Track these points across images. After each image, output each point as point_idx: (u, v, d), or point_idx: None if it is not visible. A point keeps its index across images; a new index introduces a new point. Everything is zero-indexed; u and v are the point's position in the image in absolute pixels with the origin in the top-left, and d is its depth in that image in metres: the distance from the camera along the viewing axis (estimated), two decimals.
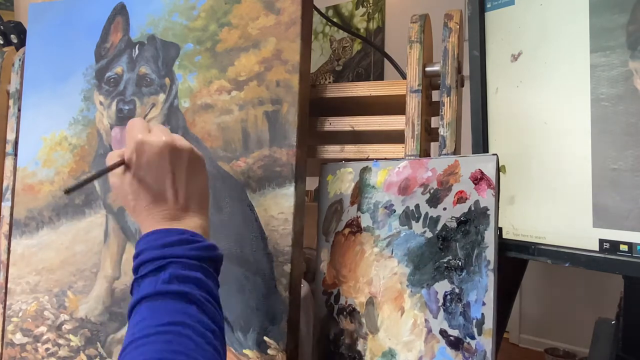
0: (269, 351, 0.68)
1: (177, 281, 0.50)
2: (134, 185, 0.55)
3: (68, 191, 0.53)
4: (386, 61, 1.72)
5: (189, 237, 0.53)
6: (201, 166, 0.59)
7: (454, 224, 0.64)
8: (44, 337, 0.81)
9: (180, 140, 0.57)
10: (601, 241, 0.60)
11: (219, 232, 0.72)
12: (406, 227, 0.68)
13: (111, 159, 0.57)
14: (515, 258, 0.69)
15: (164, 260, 0.51)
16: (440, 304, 0.63)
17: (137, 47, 0.79)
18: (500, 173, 0.65)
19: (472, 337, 0.61)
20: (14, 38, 1.07)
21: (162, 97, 0.77)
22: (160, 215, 0.55)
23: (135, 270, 0.52)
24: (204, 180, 0.59)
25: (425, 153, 0.72)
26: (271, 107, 0.71)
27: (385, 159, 0.72)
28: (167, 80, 0.77)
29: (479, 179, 0.63)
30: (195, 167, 0.58)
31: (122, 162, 0.56)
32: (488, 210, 0.62)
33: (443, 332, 0.63)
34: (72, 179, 0.82)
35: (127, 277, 0.77)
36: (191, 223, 0.56)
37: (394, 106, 0.74)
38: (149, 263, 0.51)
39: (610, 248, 0.60)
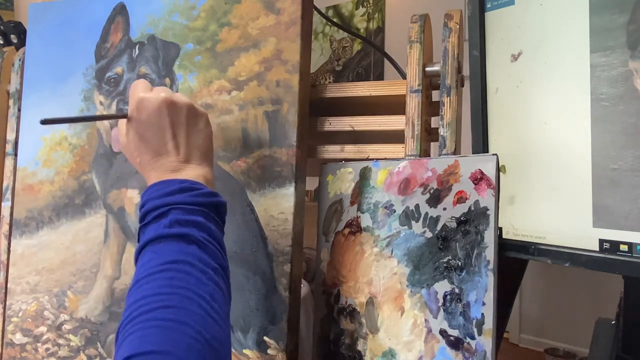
0: (269, 351, 0.68)
1: (178, 225, 0.52)
2: (136, 141, 0.59)
3: (45, 122, 0.55)
4: (386, 61, 1.72)
5: (190, 185, 0.55)
6: (202, 121, 0.61)
7: (453, 224, 0.64)
8: (44, 337, 0.81)
9: (179, 97, 0.59)
10: (601, 241, 0.60)
11: None
12: (406, 227, 0.68)
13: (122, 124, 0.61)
14: (515, 258, 0.69)
15: (166, 207, 0.53)
16: (440, 304, 0.63)
17: (137, 47, 0.79)
18: (500, 173, 0.65)
19: (472, 337, 0.61)
20: (14, 38, 1.07)
21: None
22: (163, 168, 0.58)
23: (141, 219, 0.55)
24: (206, 134, 0.61)
25: (425, 153, 0.72)
26: (271, 107, 0.71)
27: (385, 159, 0.72)
28: (167, 80, 0.77)
29: (479, 179, 0.63)
30: (196, 121, 0.60)
31: (124, 115, 0.60)
32: (488, 210, 0.62)
33: (443, 332, 0.63)
34: (72, 178, 0.82)
35: (127, 277, 0.77)
36: (192, 173, 0.58)
37: (394, 106, 0.74)
38: (152, 211, 0.54)
39: (610, 248, 0.60)
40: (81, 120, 0.59)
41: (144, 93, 0.58)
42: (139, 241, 0.54)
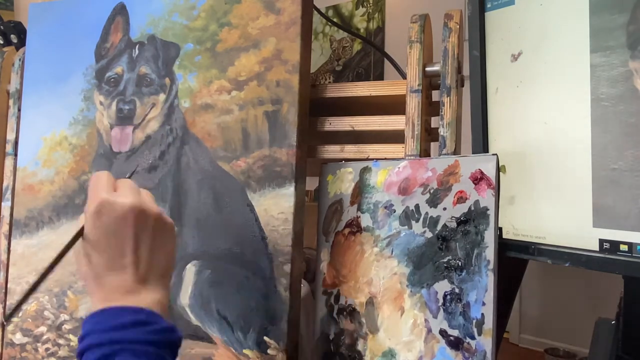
0: (269, 351, 0.68)
1: None
2: (87, 249, 0.50)
3: (8, 318, 0.48)
4: (386, 61, 1.72)
5: (145, 317, 0.46)
6: (169, 233, 0.52)
7: (453, 224, 0.64)
8: (44, 337, 0.81)
9: (148, 203, 0.51)
10: (601, 241, 0.60)
11: (219, 232, 0.72)
12: (406, 227, 0.68)
13: (81, 221, 0.52)
14: (515, 258, 0.69)
15: (113, 347, 0.44)
16: (440, 304, 0.63)
17: (137, 47, 0.79)
18: (500, 173, 0.65)
19: (472, 337, 0.61)
20: (14, 38, 1.07)
21: (162, 97, 0.77)
22: (113, 288, 0.48)
23: (80, 355, 0.45)
24: (170, 250, 0.53)
25: (425, 153, 0.72)
26: (271, 107, 0.71)
27: (385, 159, 0.72)
28: (167, 80, 0.77)
29: (479, 179, 0.63)
30: (163, 234, 0.52)
31: (82, 232, 0.50)
32: (488, 210, 0.62)
33: (443, 332, 0.63)
34: (72, 178, 0.82)
35: None
36: (148, 299, 0.48)
37: (394, 106, 0.74)
38: (95, 348, 0.44)
39: (610, 248, 0.60)
40: (38, 284, 0.50)
41: (107, 194, 0.49)
42: None
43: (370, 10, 3.41)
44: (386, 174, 0.70)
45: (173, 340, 0.48)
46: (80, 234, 0.50)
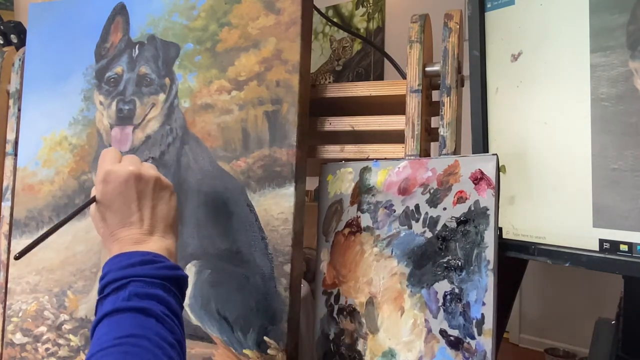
0: (269, 351, 0.68)
1: (137, 298, 0.51)
2: (101, 213, 0.59)
3: (19, 256, 0.55)
4: (386, 61, 1.72)
5: (152, 257, 0.55)
6: (168, 193, 0.61)
7: (453, 224, 0.64)
8: (44, 337, 0.81)
9: (146, 169, 0.60)
10: (601, 241, 0.60)
11: (218, 232, 0.72)
12: (406, 227, 0.68)
13: (92, 193, 0.60)
14: (515, 258, 0.69)
15: (125, 280, 0.52)
16: (440, 304, 0.63)
17: (137, 47, 0.79)
18: (500, 173, 0.65)
19: (472, 337, 0.61)
20: (14, 38, 1.07)
21: (162, 97, 0.77)
22: (126, 240, 0.57)
23: (100, 291, 0.54)
24: (171, 206, 0.61)
25: (425, 153, 0.72)
26: (271, 107, 0.71)
27: (385, 159, 0.72)
28: (167, 80, 0.77)
29: (479, 179, 0.63)
30: (162, 194, 0.60)
31: (93, 200, 0.59)
32: (488, 210, 0.62)
33: (443, 332, 0.63)
34: (72, 178, 0.82)
35: None
36: (155, 246, 0.57)
37: (394, 106, 0.74)
38: (112, 283, 0.53)
39: (610, 248, 0.60)
40: (54, 231, 0.58)
41: (111, 165, 0.59)
42: (96, 314, 0.53)
43: (370, 10, 3.41)
44: (386, 174, 0.70)
45: (177, 275, 0.56)
46: (92, 200, 0.59)
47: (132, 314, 0.50)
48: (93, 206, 0.60)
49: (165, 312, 0.52)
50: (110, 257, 0.57)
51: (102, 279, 0.54)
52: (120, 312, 0.50)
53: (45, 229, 0.82)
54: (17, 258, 0.55)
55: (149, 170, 0.60)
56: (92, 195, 0.60)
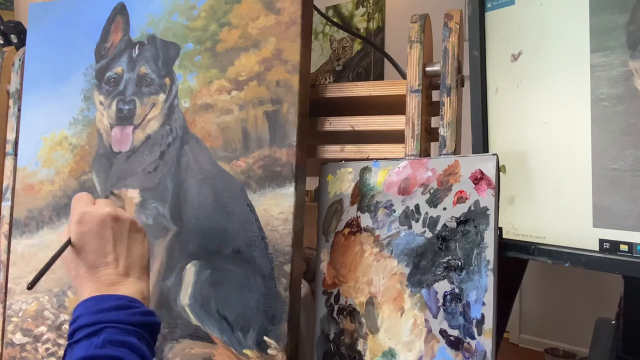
0: (269, 351, 0.68)
1: (111, 345, 0.50)
2: (74, 254, 0.57)
3: (31, 287, 0.54)
4: (386, 61, 1.72)
5: (127, 302, 0.54)
6: (142, 235, 0.61)
7: (453, 224, 0.64)
8: (44, 337, 0.81)
9: (122, 211, 0.60)
10: (601, 241, 0.60)
11: (218, 232, 0.72)
12: (406, 227, 0.68)
13: (64, 233, 0.59)
14: (515, 258, 0.69)
15: (99, 325, 0.51)
16: (440, 304, 0.63)
17: (137, 47, 0.79)
18: (500, 173, 0.65)
19: (472, 337, 0.61)
20: (14, 38, 1.07)
21: (162, 97, 0.77)
22: (100, 281, 0.56)
23: (70, 335, 0.52)
24: (145, 249, 0.61)
25: (425, 153, 0.72)
26: (271, 107, 0.71)
27: (385, 159, 0.72)
28: (167, 80, 0.77)
29: (479, 178, 0.63)
30: (136, 236, 0.60)
31: (69, 242, 0.58)
32: (488, 210, 0.62)
33: (443, 332, 0.63)
34: (72, 178, 0.82)
35: None
36: (131, 288, 0.56)
37: (394, 106, 0.74)
38: (84, 328, 0.51)
39: (610, 248, 0.60)
40: (49, 267, 0.58)
41: (86, 207, 0.58)
42: (64, 359, 0.51)
43: (370, 10, 3.41)
44: (386, 174, 0.70)
45: (152, 322, 0.55)
46: (68, 243, 0.58)
47: None
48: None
49: None
50: (82, 298, 0.55)
51: (72, 322, 0.53)
52: None
53: (45, 229, 0.83)
54: (29, 288, 0.55)
55: (124, 212, 0.60)
56: (65, 237, 0.59)
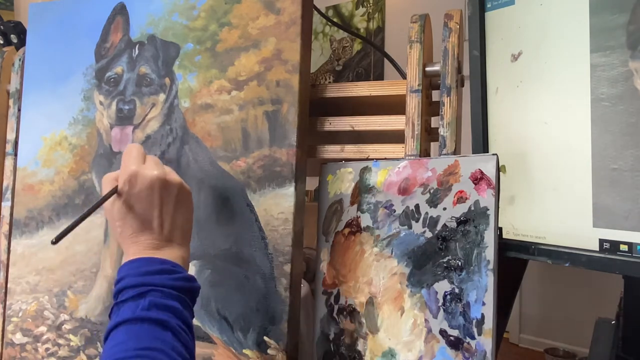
0: (269, 351, 0.68)
1: (156, 309, 0.52)
2: (122, 213, 0.58)
3: (56, 241, 0.54)
4: (386, 61, 1.72)
5: (170, 267, 0.55)
6: (188, 200, 0.61)
7: (453, 224, 0.64)
8: (44, 337, 0.81)
9: (171, 174, 0.60)
10: (601, 241, 0.60)
11: (218, 232, 0.72)
12: (406, 227, 0.68)
13: (106, 181, 0.59)
14: (515, 258, 0.69)
15: (144, 288, 0.52)
16: (440, 304, 0.63)
17: (137, 47, 0.79)
18: (500, 173, 0.65)
19: (472, 337, 0.61)
20: (14, 38, 1.07)
21: (162, 97, 0.77)
22: (145, 244, 0.57)
23: (116, 295, 0.54)
24: (190, 214, 0.62)
25: (425, 153, 0.72)
26: (271, 107, 0.71)
27: (385, 159, 0.72)
28: (167, 80, 0.77)
29: (479, 178, 0.63)
30: (183, 200, 0.60)
31: (114, 191, 0.58)
32: (488, 210, 0.62)
33: (443, 332, 0.63)
34: (72, 178, 0.82)
35: None
36: (173, 254, 0.57)
37: (394, 106, 0.74)
38: (130, 289, 0.53)
39: (610, 248, 0.60)
40: (83, 219, 0.57)
41: (137, 166, 0.58)
42: (110, 317, 0.53)
43: (370, 10, 3.41)
44: (386, 174, 0.70)
45: (193, 287, 0.56)
46: (113, 191, 0.58)
47: (151, 325, 0.51)
48: (110, 202, 0.58)
49: (181, 326, 0.52)
50: (126, 259, 0.56)
51: (117, 282, 0.54)
52: (140, 322, 0.51)
53: (45, 229, 0.83)
54: (54, 242, 0.54)
55: (174, 175, 0.60)
56: (106, 185, 0.59)
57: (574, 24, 0.62)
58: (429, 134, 0.74)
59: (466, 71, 0.72)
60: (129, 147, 0.60)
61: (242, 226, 0.70)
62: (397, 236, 0.68)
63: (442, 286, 0.63)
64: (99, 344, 0.77)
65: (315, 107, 0.75)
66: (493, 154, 0.63)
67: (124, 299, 0.52)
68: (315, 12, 0.80)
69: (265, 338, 0.68)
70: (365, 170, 0.72)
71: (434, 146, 0.74)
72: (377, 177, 0.71)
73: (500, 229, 0.70)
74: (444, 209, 0.65)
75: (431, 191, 0.66)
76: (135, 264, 0.55)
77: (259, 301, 0.69)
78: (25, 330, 0.82)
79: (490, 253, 0.61)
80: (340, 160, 0.75)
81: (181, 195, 0.60)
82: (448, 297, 0.63)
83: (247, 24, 0.73)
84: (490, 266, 0.60)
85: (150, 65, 0.78)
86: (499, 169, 0.63)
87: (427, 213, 0.66)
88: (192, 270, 0.72)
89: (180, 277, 0.55)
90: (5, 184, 0.88)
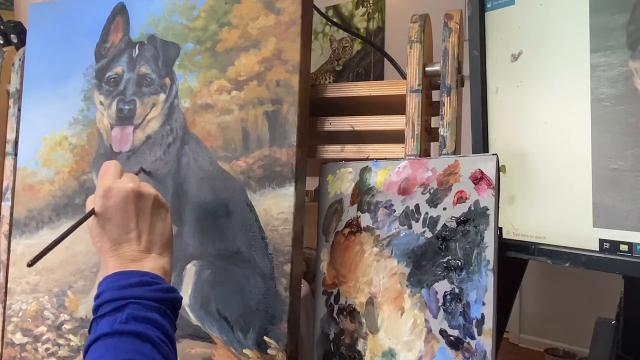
0: (269, 351, 0.68)
1: (134, 321, 0.51)
2: (99, 227, 0.58)
3: (32, 263, 0.55)
4: (386, 61, 1.72)
5: (149, 279, 0.55)
6: (165, 212, 0.62)
7: (453, 224, 0.64)
8: (44, 337, 0.81)
9: (145, 187, 0.60)
10: (601, 241, 0.60)
11: (218, 232, 0.72)
12: (406, 227, 0.68)
13: (89, 203, 0.60)
14: (515, 258, 0.69)
15: (123, 301, 0.52)
16: (440, 304, 0.63)
17: (137, 46, 0.79)
18: (500, 173, 0.65)
19: (472, 337, 0.61)
20: (14, 38, 1.07)
21: (162, 97, 0.77)
22: (124, 257, 0.57)
23: (95, 310, 0.54)
24: (168, 224, 0.62)
25: (425, 153, 0.72)
26: (271, 107, 0.71)
27: (385, 159, 0.72)
28: (167, 80, 0.77)
29: (479, 178, 0.63)
30: (159, 212, 0.61)
31: (92, 213, 0.59)
32: (488, 210, 0.62)
33: (443, 332, 0.63)
34: (72, 178, 0.82)
35: None
36: (152, 264, 0.58)
37: (394, 106, 0.74)
38: (108, 303, 0.53)
39: (610, 248, 0.60)
40: (60, 240, 0.58)
41: (112, 181, 0.59)
42: (90, 333, 0.53)
43: (370, 10, 3.41)
44: (386, 174, 0.70)
45: (173, 298, 0.56)
46: (91, 213, 0.59)
47: (129, 338, 0.50)
48: (91, 219, 0.59)
49: (161, 337, 0.52)
50: (106, 273, 0.56)
51: (97, 297, 0.54)
52: (118, 335, 0.50)
53: (45, 229, 0.83)
54: (30, 265, 0.55)
55: (148, 188, 0.61)
56: (89, 208, 0.60)
57: (574, 24, 0.62)
58: (429, 134, 0.74)
59: (466, 71, 0.72)
60: (105, 165, 0.61)
61: (242, 226, 0.70)
62: (397, 236, 0.68)
63: (442, 286, 0.63)
64: None
65: (315, 107, 0.75)
66: (493, 154, 0.63)
67: (103, 314, 0.52)
68: (315, 12, 0.80)
69: (265, 338, 0.68)
70: (365, 170, 0.72)
71: (434, 146, 0.74)
72: (377, 177, 0.71)
73: (500, 229, 0.70)
74: (444, 209, 0.65)
75: (431, 191, 0.66)
76: (114, 277, 0.55)
77: (259, 301, 0.69)
78: (25, 330, 0.82)
79: (490, 253, 0.61)
80: (340, 160, 0.75)
81: (157, 206, 0.60)
82: (448, 297, 0.63)
83: (247, 24, 0.73)
84: (490, 266, 0.60)
85: (150, 65, 0.78)
86: (499, 169, 0.63)
87: (427, 213, 0.66)
88: (192, 270, 0.72)
89: (159, 289, 0.55)
90: (5, 184, 0.88)
